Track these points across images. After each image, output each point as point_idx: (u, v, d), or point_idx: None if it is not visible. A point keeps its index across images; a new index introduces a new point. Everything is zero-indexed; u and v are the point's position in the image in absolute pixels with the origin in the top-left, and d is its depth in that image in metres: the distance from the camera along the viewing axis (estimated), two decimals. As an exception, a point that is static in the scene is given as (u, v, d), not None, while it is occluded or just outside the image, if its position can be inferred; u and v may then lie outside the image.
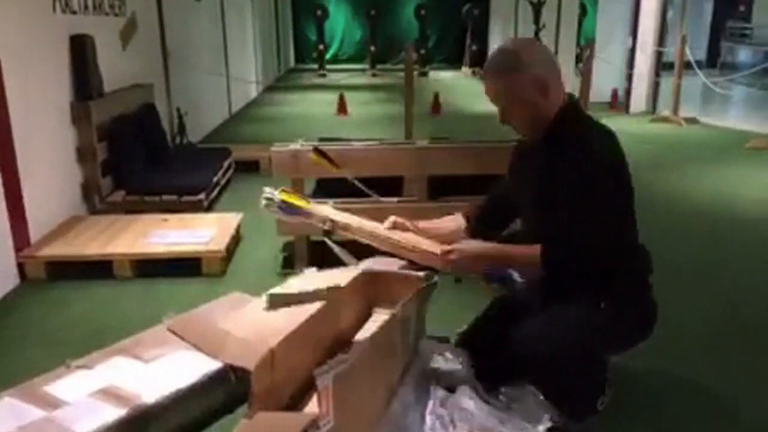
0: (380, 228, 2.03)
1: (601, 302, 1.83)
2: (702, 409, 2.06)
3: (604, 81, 8.87)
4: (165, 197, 3.99)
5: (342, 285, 1.71)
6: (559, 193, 1.79)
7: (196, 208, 3.96)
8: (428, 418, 1.78)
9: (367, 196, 2.80)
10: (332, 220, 2.01)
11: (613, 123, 8.46)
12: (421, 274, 1.95)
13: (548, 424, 1.79)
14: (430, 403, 1.84)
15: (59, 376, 1.91)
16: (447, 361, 1.94)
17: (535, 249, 1.79)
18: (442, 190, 3.14)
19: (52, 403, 1.76)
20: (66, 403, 1.76)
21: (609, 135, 1.85)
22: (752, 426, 1.98)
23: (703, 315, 2.71)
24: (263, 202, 2.03)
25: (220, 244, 3.19)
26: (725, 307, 2.79)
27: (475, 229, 2.10)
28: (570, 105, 1.87)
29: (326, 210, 2.08)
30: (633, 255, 1.91)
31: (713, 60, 14.64)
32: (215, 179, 4.46)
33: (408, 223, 2.07)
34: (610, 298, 1.84)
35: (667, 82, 8.31)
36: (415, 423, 1.74)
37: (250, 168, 5.17)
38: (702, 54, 14.26)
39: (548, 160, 1.86)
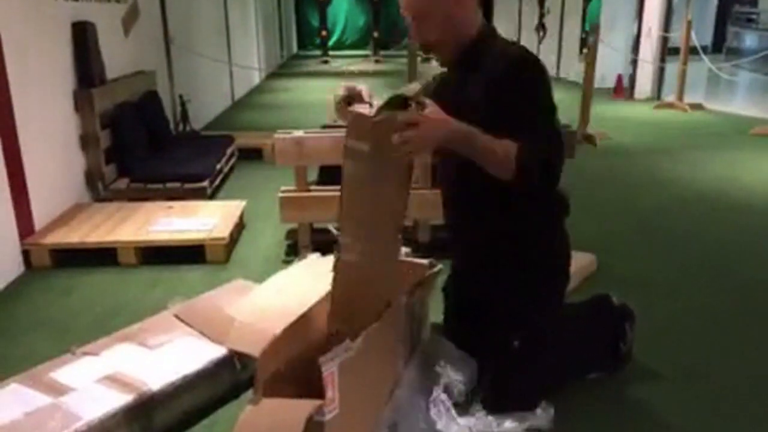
0: None
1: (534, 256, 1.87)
2: (698, 393, 2.06)
3: (609, 67, 8.82)
4: (169, 185, 3.99)
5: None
6: (479, 106, 1.69)
7: (199, 195, 3.96)
8: (432, 405, 1.79)
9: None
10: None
11: (618, 109, 8.37)
12: (425, 262, 1.96)
13: (547, 409, 1.80)
14: (435, 390, 1.85)
15: (65, 363, 1.93)
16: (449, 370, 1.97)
17: (511, 147, 1.61)
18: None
19: (59, 390, 1.78)
20: (72, 389, 1.78)
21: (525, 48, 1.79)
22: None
23: (705, 302, 2.71)
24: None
25: (224, 231, 3.20)
26: (729, 292, 2.79)
27: None
28: (488, 28, 1.83)
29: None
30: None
31: (719, 45, 14.50)
32: (218, 167, 4.45)
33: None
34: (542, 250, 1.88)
35: (673, 68, 8.24)
36: (419, 410, 1.74)
37: (252, 155, 5.16)
38: (708, 39, 14.14)
39: (461, 79, 1.79)
